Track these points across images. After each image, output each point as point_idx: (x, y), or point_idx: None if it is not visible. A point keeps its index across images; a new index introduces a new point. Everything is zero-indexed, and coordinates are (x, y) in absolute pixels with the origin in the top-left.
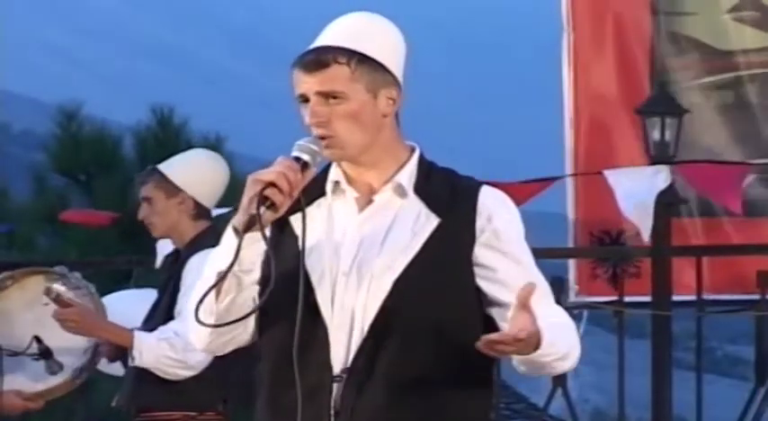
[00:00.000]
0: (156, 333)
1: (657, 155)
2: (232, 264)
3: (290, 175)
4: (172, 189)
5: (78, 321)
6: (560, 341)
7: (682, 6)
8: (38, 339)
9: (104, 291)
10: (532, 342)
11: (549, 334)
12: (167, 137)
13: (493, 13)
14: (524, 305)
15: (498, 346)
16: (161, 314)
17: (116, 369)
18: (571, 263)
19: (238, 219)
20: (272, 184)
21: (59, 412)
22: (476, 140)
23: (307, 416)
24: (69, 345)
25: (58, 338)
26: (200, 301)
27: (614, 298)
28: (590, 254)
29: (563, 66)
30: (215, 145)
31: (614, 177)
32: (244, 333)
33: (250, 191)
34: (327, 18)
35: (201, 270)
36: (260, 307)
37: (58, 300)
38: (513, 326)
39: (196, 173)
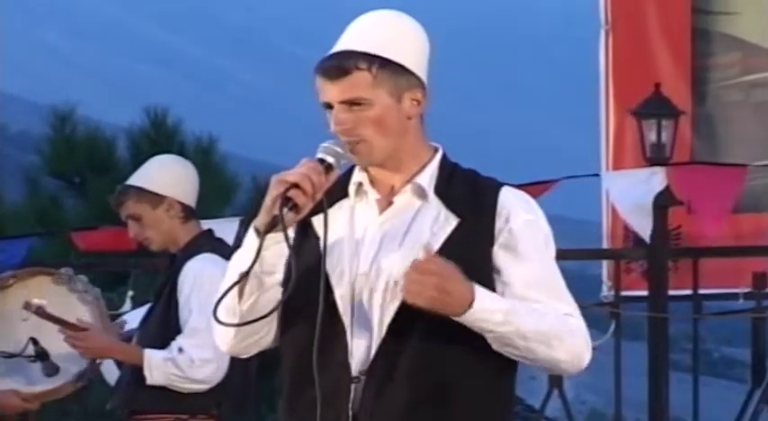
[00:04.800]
0: (164, 352)
1: (653, 156)
2: (253, 265)
3: (313, 177)
4: (155, 198)
5: (91, 346)
6: (528, 318)
7: (725, 6)
8: (34, 341)
9: (101, 292)
10: (437, 287)
11: (505, 304)
12: (161, 138)
13: (529, 12)
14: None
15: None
16: (156, 321)
17: (112, 375)
18: None
19: (261, 220)
20: (295, 186)
21: (54, 414)
22: (507, 142)
23: (325, 417)
24: (69, 350)
25: (58, 343)
26: (219, 301)
27: (646, 293)
28: (582, 256)
29: (600, 64)
30: (208, 146)
31: (610, 179)
32: (267, 335)
33: (273, 191)
34: (323, 21)
35: (197, 278)
36: (280, 306)
37: (39, 313)
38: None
39: (171, 175)
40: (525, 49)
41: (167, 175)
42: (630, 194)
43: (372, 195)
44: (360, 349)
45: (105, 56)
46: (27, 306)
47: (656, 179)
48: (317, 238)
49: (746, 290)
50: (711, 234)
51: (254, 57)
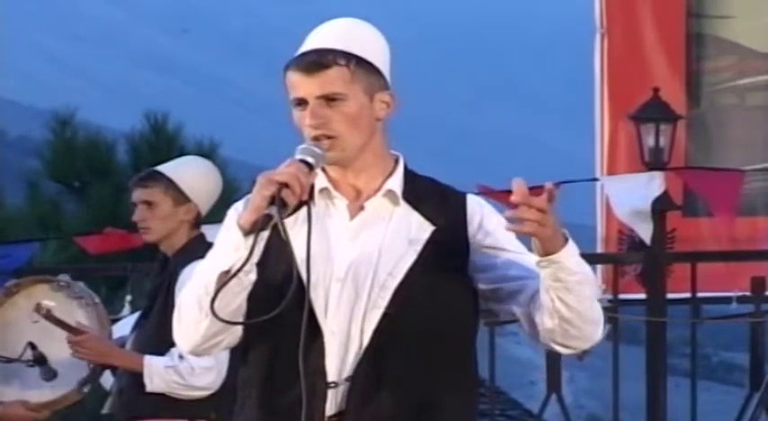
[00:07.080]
0: (165, 359)
1: (652, 161)
2: (246, 262)
3: (301, 178)
4: (181, 198)
5: (90, 349)
6: (586, 268)
7: (720, 10)
8: (32, 345)
9: (100, 297)
10: (553, 224)
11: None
12: (161, 143)
13: (525, 15)
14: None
15: (522, 211)
16: (152, 326)
17: (107, 379)
18: None
19: (247, 219)
20: (285, 186)
21: (54, 417)
22: (499, 146)
23: None
24: (67, 355)
25: (57, 348)
26: (214, 299)
27: (642, 295)
28: None
29: (595, 68)
30: (208, 151)
31: (610, 184)
32: (230, 337)
33: (264, 190)
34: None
35: None
36: (282, 307)
37: (47, 315)
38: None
39: (204, 184)
40: (521, 52)
41: (201, 182)
42: (629, 199)
43: (341, 200)
44: (337, 355)
45: (105, 60)
46: (38, 308)
47: (654, 183)
48: (285, 243)
49: (740, 294)
50: (707, 237)
51: (255, 62)
